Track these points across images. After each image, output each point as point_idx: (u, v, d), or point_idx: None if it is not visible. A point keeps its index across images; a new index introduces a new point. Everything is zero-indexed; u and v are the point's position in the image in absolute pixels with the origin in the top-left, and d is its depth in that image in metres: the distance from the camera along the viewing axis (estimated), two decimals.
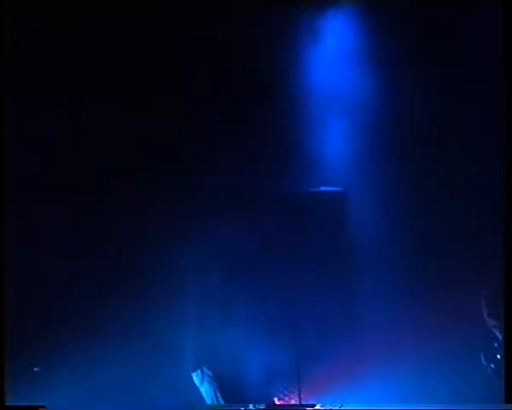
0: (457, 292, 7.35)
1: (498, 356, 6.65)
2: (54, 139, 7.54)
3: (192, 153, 7.63)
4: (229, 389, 6.45)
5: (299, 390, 7.45)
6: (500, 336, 6.69)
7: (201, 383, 6.56)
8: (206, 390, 6.53)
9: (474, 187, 7.52)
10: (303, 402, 7.32)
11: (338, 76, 7.76)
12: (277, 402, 7.48)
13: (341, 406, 6.46)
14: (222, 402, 6.48)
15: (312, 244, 7.70)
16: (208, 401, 6.55)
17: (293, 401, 7.58)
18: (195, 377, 6.56)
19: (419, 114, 7.63)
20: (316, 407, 6.55)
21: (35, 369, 7.44)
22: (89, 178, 7.65)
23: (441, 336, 7.38)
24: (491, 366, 6.71)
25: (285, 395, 7.67)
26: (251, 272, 7.26)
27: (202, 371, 6.50)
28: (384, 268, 7.55)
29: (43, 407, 6.40)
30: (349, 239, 7.75)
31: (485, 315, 6.71)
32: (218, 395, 6.47)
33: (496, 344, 6.72)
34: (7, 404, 6.82)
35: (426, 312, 7.45)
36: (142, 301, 7.38)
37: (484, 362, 6.79)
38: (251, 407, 6.41)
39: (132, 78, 7.66)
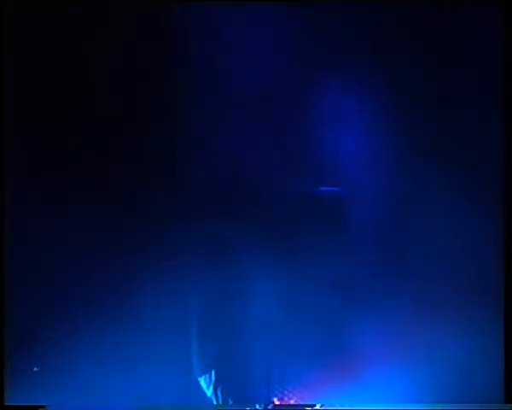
0: (459, 293, 7.38)
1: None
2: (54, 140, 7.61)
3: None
4: (236, 389, 6.49)
5: (298, 391, 7.47)
6: None
7: (209, 385, 6.59)
8: (212, 392, 6.57)
9: (474, 187, 7.51)
10: (302, 402, 7.34)
11: (338, 76, 7.75)
12: (277, 402, 7.49)
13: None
14: (229, 402, 6.53)
15: (312, 244, 7.70)
16: (215, 402, 6.59)
17: (292, 402, 7.58)
18: (203, 380, 6.61)
19: (419, 112, 7.62)
20: (315, 407, 6.56)
21: (35, 369, 7.46)
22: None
23: (444, 336, 7.41)
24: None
25: (284, 395, 7.67)
26: (251, 271, 7.30)
27: (210, 373, 6.54)
28: (385, 269, 7.55)
29: (43, 407, 6.43)
30: (349, 239, 7.74)
31: None
32: (225, 395, 6.51)
33: None
34: (6, 404, 6.86)
35: (426, 311, 7.46)
36: (146, 301, 7.45)
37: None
38: (257, 406, 6.45)
39: (133, 78, 7.69)
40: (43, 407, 6.42)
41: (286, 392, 7.66)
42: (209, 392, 6.58)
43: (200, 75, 7.64)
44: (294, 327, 7.37)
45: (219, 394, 6.53)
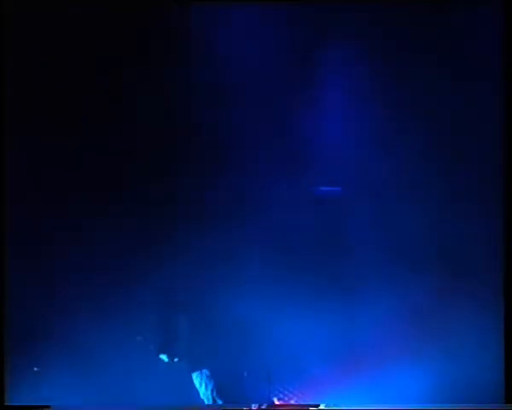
0: (459, 293, 7.39)
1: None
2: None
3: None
4: (227, 389, 6.53)
5: (299, 390, 7.48)
6: None
7: (200, 384, 6.63)
8: (204, 390, 6.62)
9: (474, 186, 7.52)
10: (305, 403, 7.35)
11: (338, 76, 7.77)
12: (277, 402, 7.49)
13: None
14: (219, 402, 6.57)
15: (312, 243, 7.72)
16: (206, 401, 6.64)
17: (292, 401, 7.58)
18: (195, 378, 6.65)
19: (419, 112, 7.63)
20: (320, 407, 6.56)
21: (35, 369, 7.48)
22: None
23: (444, 336, 7.42)
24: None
25: (285, 394, 7.68)
26: (251, 271, 7.32)
27: (201, 372, 6.59)
28: (383, 267, 7.55)
29: (48, 407, 6.44)
30: (348, 238, 7.76)
31: None
32: (215, 394, 6.56)
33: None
34: (7, 404, 6.87)
35: (425, 309, 7.48)
36: (146, 301, 7.47)
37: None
38: (253, 407, 6.46)
39: (133, 78, 7.71)
40: (47, 407, 6.43)
41: (286, 392, 7.67)
42: (202, 391, 6.63)
43: (200, 75, 7.65)
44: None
45: (210, 391, 6.58)
